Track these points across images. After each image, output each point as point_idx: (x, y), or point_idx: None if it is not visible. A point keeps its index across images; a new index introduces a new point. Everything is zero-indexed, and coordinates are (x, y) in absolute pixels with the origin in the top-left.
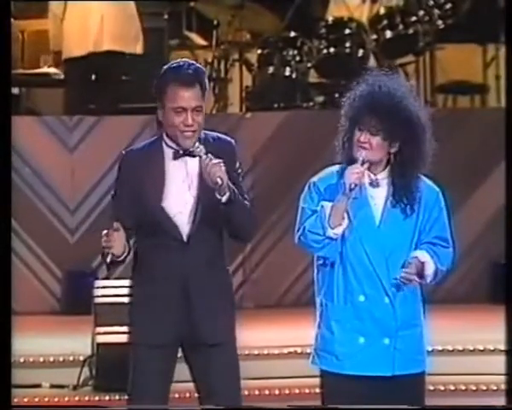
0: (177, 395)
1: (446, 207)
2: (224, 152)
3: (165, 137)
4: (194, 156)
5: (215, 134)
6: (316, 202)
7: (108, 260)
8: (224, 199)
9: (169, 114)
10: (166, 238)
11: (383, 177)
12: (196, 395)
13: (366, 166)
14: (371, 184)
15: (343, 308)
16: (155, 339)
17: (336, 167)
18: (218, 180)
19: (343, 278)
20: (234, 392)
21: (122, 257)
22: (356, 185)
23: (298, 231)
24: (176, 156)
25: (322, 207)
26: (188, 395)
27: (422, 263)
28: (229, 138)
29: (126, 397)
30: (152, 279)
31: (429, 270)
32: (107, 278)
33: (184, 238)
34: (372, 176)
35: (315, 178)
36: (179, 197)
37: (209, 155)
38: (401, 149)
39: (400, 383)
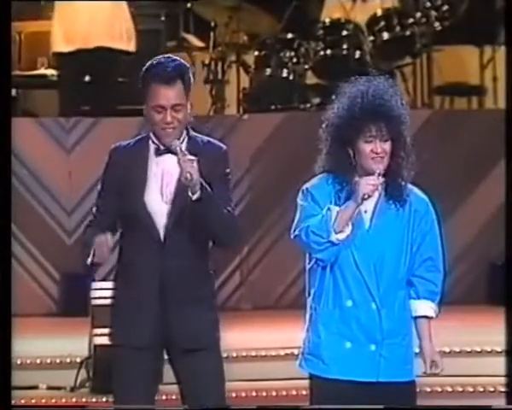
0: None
1: (438, 219)
2: (213, 156)
3: (151, 133)
4: (175, 154)
5: (207, 138)
6: (312, 205)
7: (89, 262)
8: (194, 197)
9: (150, 111)
10: (145, 237)
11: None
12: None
13: (382, 179)
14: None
15: (331, 312)
16: (134, 341)
17: (329, 176)
18: (188, 175)
19: (332, 283)
20: (217, 398)
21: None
22: (369, 196)
23: (297, 227)
24: (157, 153)
25: (329, 209)
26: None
27: (430, 318)
28: (221, 144)
29: (112, 399)
30: (130, 279)
31: (435, 313)
32: (104, 279)
33: (161, 238)
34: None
35: (308, 185)
36: (159, 195)
37: (184, 151)
38: (393, 144)
39: (387, 390)
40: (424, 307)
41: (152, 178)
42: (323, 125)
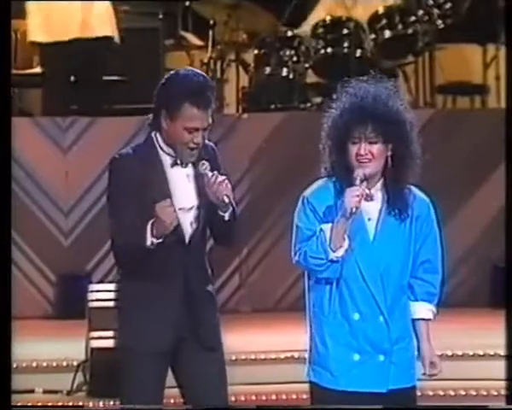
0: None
1: (437, 221)
2: (209, 157)
3: (160, 141)
4: (193, 164)
5: None
6: (311, 220)
7: (154, 240)
8: (226, 216)
9: (179, 130)
10: (168, 238)
11: (376, 190)
12: (182, 400)
13: (365, 184)
14: (365, 198)
15: (338, 324)
16: (156, 346)
17: (329, 182)
18: (225, 199)
19: (338, 295)
20: (224, 397)
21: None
22: (357, 209)
23: (296, 253)
24: (175, 164)
25: (322, 230)
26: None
27: (429, 320)
28: (210, 142)
29: (120, 404)
30: (152, 281)
31: (433, 314)
32: (101, 281)
33: (186, 239)
34: (366, 190)
35: (307, 193)
36: (183, 197)
37: (215, 172)
38: (394, 150)
39: (392, 398)
40: (422, 310)
41: (174, 185)
42: (323, 127)
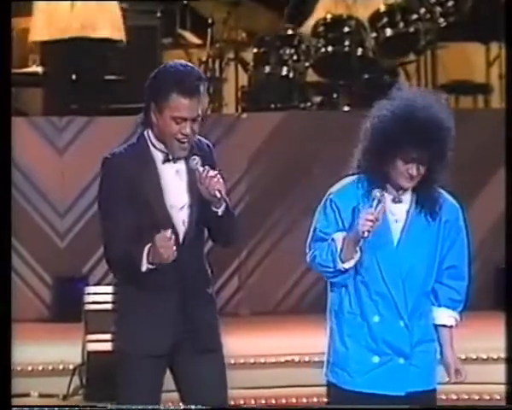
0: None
1: (465, 227)
2: (204, 154)
3: (152, 138)
4: (185, 160)
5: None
6: (330, 219)
7: (150, 266)
8: (220, 212)
9: (167, 121)
10: None
11: (405, 191)
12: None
13: (382, 205)
14: (393, 200)
15: (358, 325)
16: (154, 349)
17: (357, 181)
18: (217, 194)
19: (358, 296)
20: (224, 398)
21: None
22: (369, 232)
23: (309, 252)
24: (166, 160)
25: (333, 239)
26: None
27: (451, 327)
28: (206, 140)
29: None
30: (149, 283)
31: (455, 321)
32: (97, 284)
33: (180, 238)
34: (395, 192)
35: (333, 191)
36: (176, 195)
37: (206, 167)
38: (432, 162)
39: (412, 400)
40: (443, 316)
41: (166, 182)
42: (367, 124)
